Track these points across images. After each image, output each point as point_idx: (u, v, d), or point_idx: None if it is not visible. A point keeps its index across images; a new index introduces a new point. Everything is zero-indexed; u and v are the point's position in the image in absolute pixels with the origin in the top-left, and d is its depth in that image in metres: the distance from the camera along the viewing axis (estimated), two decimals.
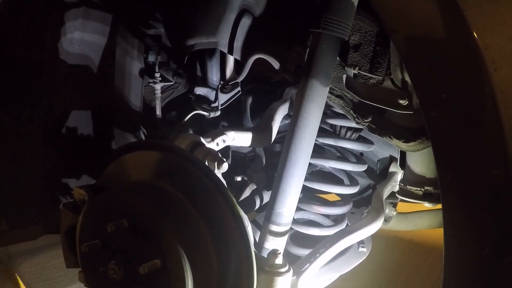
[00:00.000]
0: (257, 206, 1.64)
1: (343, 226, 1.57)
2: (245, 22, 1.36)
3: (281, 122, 1.41)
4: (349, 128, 1.58)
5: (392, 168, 1.70)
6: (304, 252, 1.45)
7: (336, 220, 1.63)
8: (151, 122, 1.75)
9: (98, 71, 1.54)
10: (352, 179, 1.65)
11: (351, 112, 1.33)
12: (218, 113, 1.65)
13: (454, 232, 0.84)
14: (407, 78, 1.10)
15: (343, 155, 1.71)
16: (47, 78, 1.43)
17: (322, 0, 1.05)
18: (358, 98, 1.25)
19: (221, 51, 1.45)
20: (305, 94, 1.08)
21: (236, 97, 1.66)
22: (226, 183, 1.01)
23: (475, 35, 0.78)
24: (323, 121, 1.49)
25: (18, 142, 1.43)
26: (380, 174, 1.80)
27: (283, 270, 0.93)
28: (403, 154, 1.40)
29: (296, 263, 1.16)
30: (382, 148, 1.68)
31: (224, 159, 1.02)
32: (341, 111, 1.38)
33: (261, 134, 1.31)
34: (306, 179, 1.16)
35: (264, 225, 1.14)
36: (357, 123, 1.33)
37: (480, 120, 0.80)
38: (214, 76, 1.62)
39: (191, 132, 1.70)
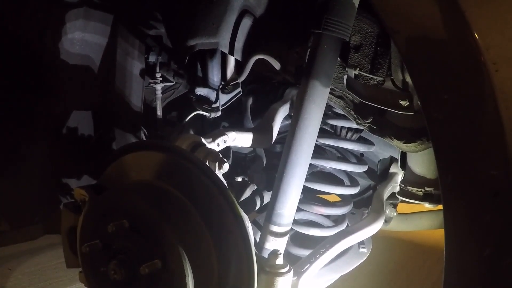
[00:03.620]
0: (257, 207, 1.63)
1: (343, 226, 1.57)
2: (246, 23, 1.36)
3: (281, 123, 1.41)
4: (349, 129, 1.57)
5: (392, 169, 1.70)
6: (304, 252, 1.45)
7: (337, 220, 1.62)
8: (152, 122, 1.75)
9: (99, 72, 1.54)
10: (352, 179, 1.65)
11: (352, 112, 1.32)
12: (219, 113, 1.65)
13: (455, 232, 0.84)
14: (408, 79, 1.10)
15: (343, 155, 1.71)
16: (48, 78, 1.43)
17: (323, 0, 1.05)
18: (359, 98, 1.25)
19: (222, 51, 1.45)
20: (306, 95, 1.08)
21: (237, 98, 1.66)
22: (226, 183, 1.01)
23: (476, 36, 0.78)
24: (323, 121, 1.49)
25: (18, 142, 1.43)
26: (380, 174, 1.79)
27: (283, 270, 0.93)
28: (403, 154, 1.40)
29: (296, 264, 1.15)
30: (383, 148, 1.67)
31: (225, 160, 1.02)
32: (341, 112, 1.37)
33: (262, 135, 1.31)
34: (306, 180, 1.16)
35: (264, 225, 1.14)
36: (357, 123, 1.33)
37: (480, 120, 0.80)
38: (215, 77, 1.62)
39: (191, 132, 1.70)
